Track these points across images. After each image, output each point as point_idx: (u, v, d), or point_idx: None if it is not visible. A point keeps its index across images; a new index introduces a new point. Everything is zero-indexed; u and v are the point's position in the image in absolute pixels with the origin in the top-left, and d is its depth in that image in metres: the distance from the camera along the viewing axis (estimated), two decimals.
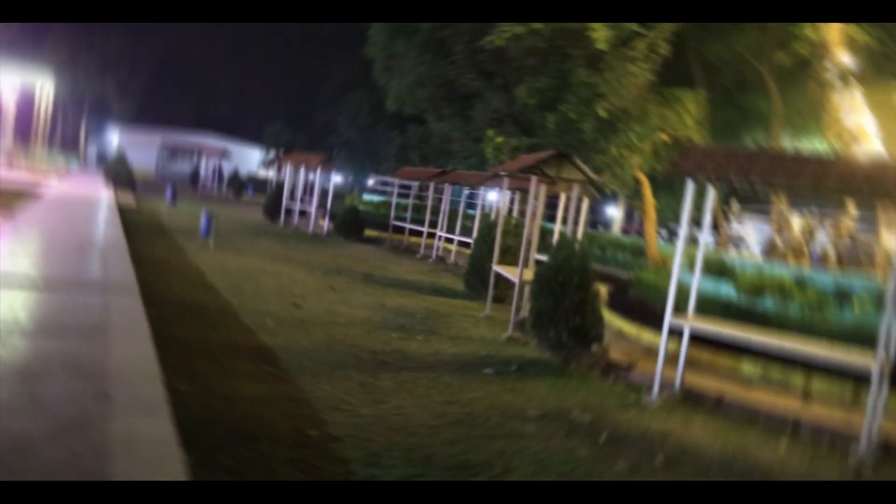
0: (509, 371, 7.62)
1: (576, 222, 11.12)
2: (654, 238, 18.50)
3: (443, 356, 7.95)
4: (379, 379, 6.55)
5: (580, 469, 4.94)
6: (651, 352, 9.25)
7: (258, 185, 46.30)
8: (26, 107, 34.44)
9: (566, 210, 12.25)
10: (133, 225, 15.64)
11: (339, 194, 35.38)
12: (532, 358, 8.35)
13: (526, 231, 10.36)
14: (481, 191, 20.67)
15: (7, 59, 31.01)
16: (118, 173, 28.72)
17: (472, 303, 12.28)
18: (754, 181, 7.05)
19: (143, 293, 7.43)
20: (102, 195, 21.70)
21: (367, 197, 35.48)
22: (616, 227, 33.75)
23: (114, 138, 60.00)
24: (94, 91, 56.70)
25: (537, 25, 14.40)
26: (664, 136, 15.64)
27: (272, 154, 50.53)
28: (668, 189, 23.27)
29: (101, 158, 51.47)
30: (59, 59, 49.83)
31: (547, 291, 8.06)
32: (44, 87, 26.58)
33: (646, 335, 10.29)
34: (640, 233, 27.76)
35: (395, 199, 24.95)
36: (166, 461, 3.32)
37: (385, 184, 42.15)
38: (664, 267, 15.08)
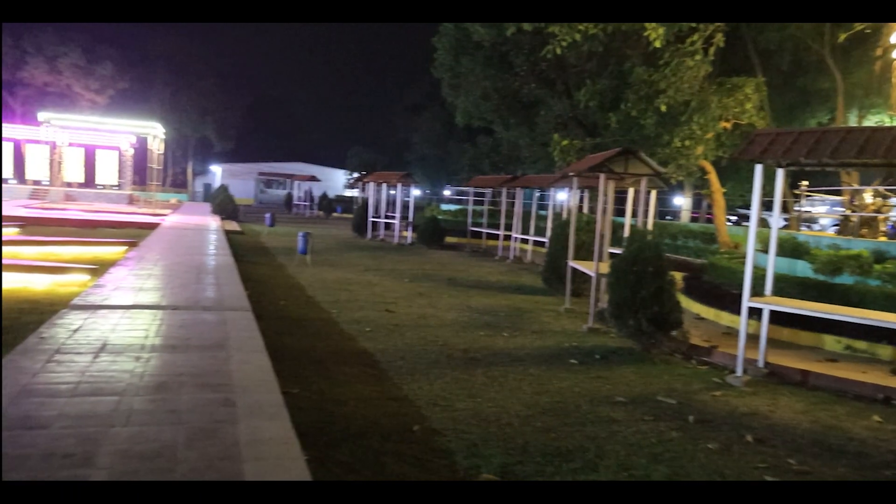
0: (593, 360, 7.46)
1: (645, 214, 10.81)
2: (723, 223, 17.79)
3: (529, 350, 7.86)
4: (471, 374, 6.53)
5: (672, 450, 4.77)
6: (730, 334, 8.87)
7: (345, 203, 47.37)
8: (142, 153, 36.47)
9: (635, 203, 11.93)
10: (239, 247, 16.25)
11: (419, 206, 35.73)
12: (614, 347, 8.15)
13: (598, 226, 10.14)
14: (551, 191, 20.40)
15: (124, 116, 32.96)
16: (222, 203, 29.95)
17: (551, 298, 12.12)
18: (824, 160, 6.66)
19: (253, 308, 7.69)
20: (210, 223, 22.67)
21: (444, 206, 35.69)
22: (684, 216, 32.69)
23: (217, 173, 62.71)
24: (197, 134, 59.43)
25: (593, 30, 14.11)
26: (726, 124, 15.03)
27: (355, 174, 51.59)
28: (734, 174, 22.32)
29: (207, 191, 53.87)
30: (166, 110, 52.53)
31: (623, 282, 7.85)
32: (155, 135, 28.04)
33: (724, 317, 9.88)
34: (710, 219, 26.77)
35: (470, 207, 24.97)
36: (289, 460, 3.39)
37: (460, 193, 42.27)
38: (736, 250, 14.48)
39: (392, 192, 26.47)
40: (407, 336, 8.14)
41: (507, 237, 20.33)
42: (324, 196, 45.27)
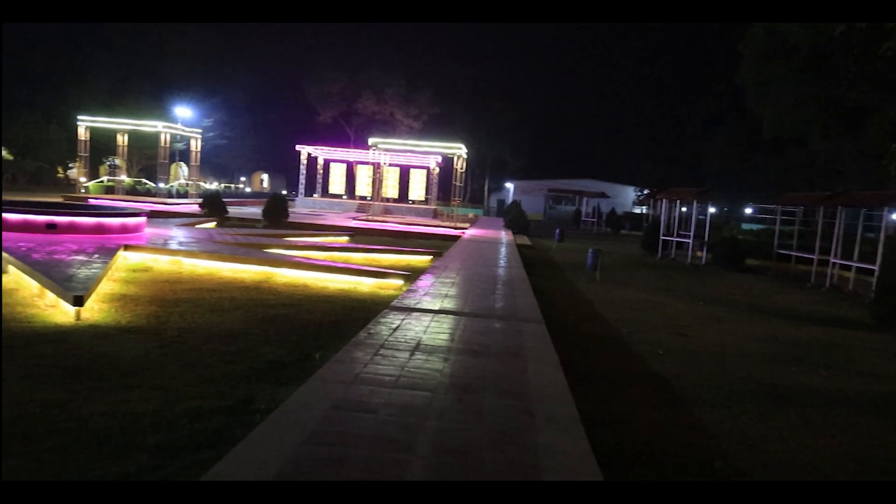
0: None
1: None
2: None
3: (853, 393, 6.77)
4: (781, 413, 5.84)
5: None
6: None
7: (633, 220, 46.26)
8: (446, 171, 40.09)
9: None
10: (529, 261, 16.85)
11: (715, 225, 33.29)
12: None
13: None
14: (885, 211, 17.42)
15: (434, 139, 36.68)
16: (515, 218, 31.45)
17: (881, 335, 10.32)
18: None
19: (544, 321, 7.88)
20: (503, 237, 23.93)
21: (745, 226, 32.76)
22: None
23: (510, 189, 66.11)
24: (493, 152, 63.44)
25: None
26: None
27: (645, 191, 50.09)
28: None
29: (500, 207, 57.09)
30: (467, 132, 57.03)
31: None
32: (459, 155, 30.62)
33: None
34: None
35: (778, 227, 22.53)
36: (588, 476, 3.38)
37: (764, 211, 38.42)
38: None
39: (685, 209, 25.12)
40: (703, 363, 7.61)
41: (823, 262, 17.88)
42: (612, 212, 44.83)
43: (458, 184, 31.23)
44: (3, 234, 11.46)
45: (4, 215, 12.16)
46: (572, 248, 25.16)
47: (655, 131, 58.20)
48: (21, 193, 30.17)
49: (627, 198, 63.18)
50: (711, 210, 39.90)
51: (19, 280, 8.57)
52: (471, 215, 43.25)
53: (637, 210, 56.63)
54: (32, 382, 4.88)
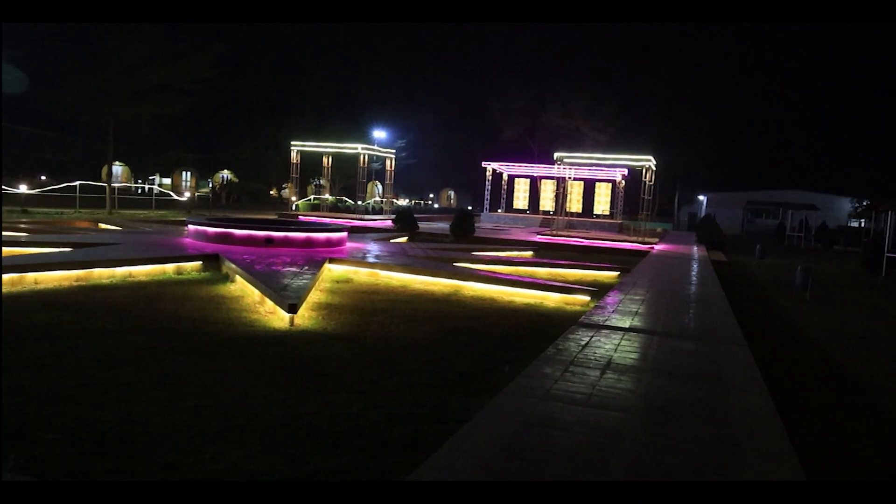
0: None
1: None
2: None
3: None
4: None
5: None
6: None
7: (849, 235, 41.25)
8: (633, 184, 38.79)
9: None
10: (726, 279, 15.67)
11: None
12: None
13: None
14: None
15: (621, 151, 35.74)
16: (708, 233, 29.49)
17: None
18: None
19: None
20: (695, 252, 22.53)
21: None
22: None
23: (702, 202, 62.30)
24: (683, 163, 60.21)
25: None
26: None
27: (865, 202, 44.52)
28: None
29: (692, 221, 53.96)
30: (655, 143, 54.75)
31: None
32: (648, 167, 29.47)
33: None
34: None
35: None
36: None
37: None
38: None
39: None
40: None
41: None
42: (822, 226, 40.34)
43: (646, 197, 30.00)
44: (232, 247, 13.05)
45: (234, 231, 13.85)
46: (776, 265, 23.01)
47: (875, 134, 51.58)
48: (244, 212, 34.15)
49: (841, 209, 56.64)
50: None
51: (244, 288, 9.67)
52: (659, 230, 41.36)
53: (853, 223, 50.50)
54: (257, 380, 5.46)
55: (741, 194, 60.12)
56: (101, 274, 9.94)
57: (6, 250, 11.22)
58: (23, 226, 15.96)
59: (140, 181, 55.88)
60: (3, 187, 25.12)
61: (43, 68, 21.67)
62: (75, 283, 9.41)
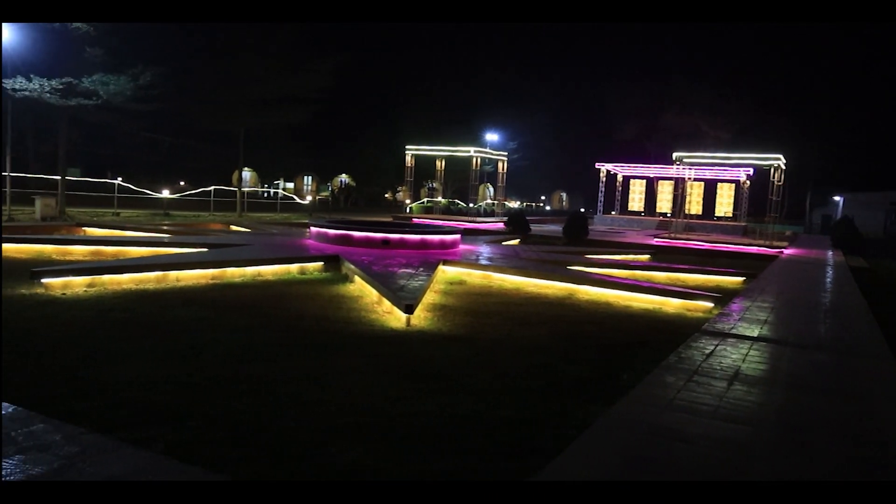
0: None
1: None
2: None
3: None
4: None
5: None
6: None
7: None
8: (759, 185, 36.52)
9: None
10: (866, 286, 14.39)
11: None
12: None
13: None
14: None
15: (745, 150, 33.79)
16: (844, 236, 27.23)
17: None
18: None
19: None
20: (830, 257, 20.88)
21: None
22: None
23: (838, 203, 57.69)
24: (817, 162, 55.98)
25: None
26: None
27: None
28: None
29: (826, 223, 50.06)
30: (783, 140, 51.33)
31: None
32: (776, 166, 27.65)
33: None
34: None
35: None
36: None
37: None
38: None
39: None
40: None
41: None
42: None
43: (774, 198, 28.14)
44: (351, 248, 13.55)
45: (353, 233, 14.39)
46: None
47: None
48: (360, 214, 35.34)
49: None
50: None
51: (363, 288, 10.00)
52: (788, 233, 38.74)
53: None
54: (380, 379, 5.63)
55: (884, 194, 55.02)
56: (233, 273, 10.63)
57: (154, 250, 12.28)
58: (165, 227, 17.37)
59: (266, 185, 59.28)
60: (149, 192, 27.48)
61: (188, 84, 23.51)
62: (211, 281, 10.13)
